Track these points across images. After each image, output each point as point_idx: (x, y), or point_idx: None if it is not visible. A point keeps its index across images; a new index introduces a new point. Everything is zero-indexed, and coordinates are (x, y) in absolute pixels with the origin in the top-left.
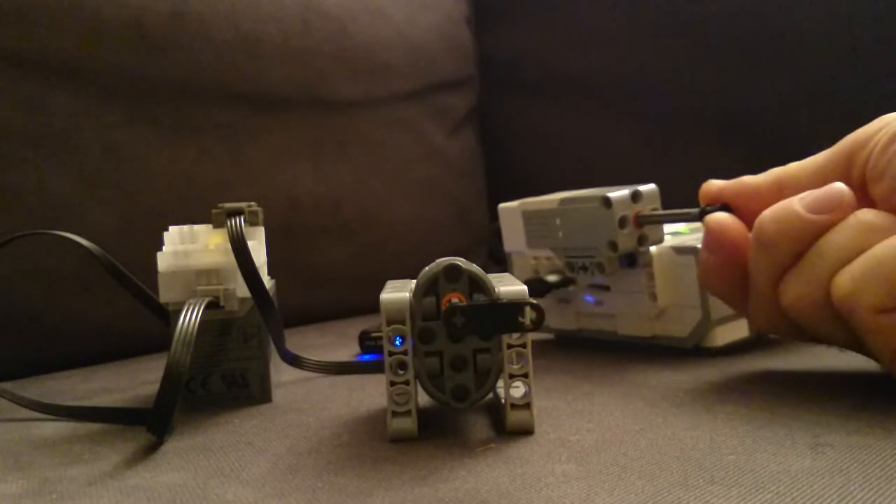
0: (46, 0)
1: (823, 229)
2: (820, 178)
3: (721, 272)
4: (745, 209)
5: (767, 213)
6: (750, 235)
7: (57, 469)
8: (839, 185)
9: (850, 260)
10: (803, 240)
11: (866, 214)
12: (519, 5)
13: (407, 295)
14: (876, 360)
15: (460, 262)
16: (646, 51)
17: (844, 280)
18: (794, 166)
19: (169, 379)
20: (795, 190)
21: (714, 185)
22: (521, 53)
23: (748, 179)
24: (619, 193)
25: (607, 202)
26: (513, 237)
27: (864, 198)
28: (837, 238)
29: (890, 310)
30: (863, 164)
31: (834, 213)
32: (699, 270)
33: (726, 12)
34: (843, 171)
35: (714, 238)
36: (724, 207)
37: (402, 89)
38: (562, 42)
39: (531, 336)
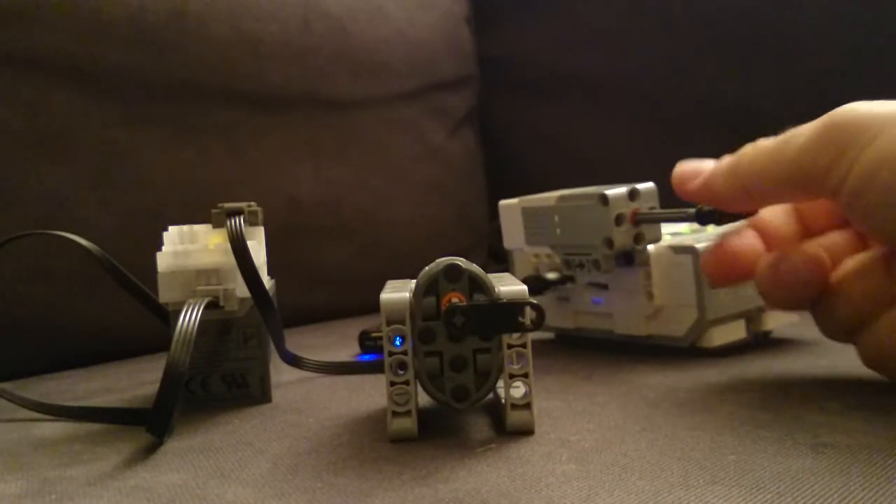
0: (46, 0)
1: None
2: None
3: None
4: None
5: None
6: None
7: (57, 469)
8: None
9: (862, 326)
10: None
11: (855, 289)
12: (519, 5)
13: (407, 295)
14: None
15: (460, 261)
16: (646, 50)
17: (867, 356)
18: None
19: (168, 379)
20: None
21: (687, 185)
22: (521, 53)
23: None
24: (616, 191)
25: (604, 199)
26: (512, 234)
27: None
28: (841, 311)
29: None
30: (830, 195)
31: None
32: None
33: (727, 11)
34: (821, 172)
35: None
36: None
37: (402, 89)
38: (562, 41)
39: (531, 336)
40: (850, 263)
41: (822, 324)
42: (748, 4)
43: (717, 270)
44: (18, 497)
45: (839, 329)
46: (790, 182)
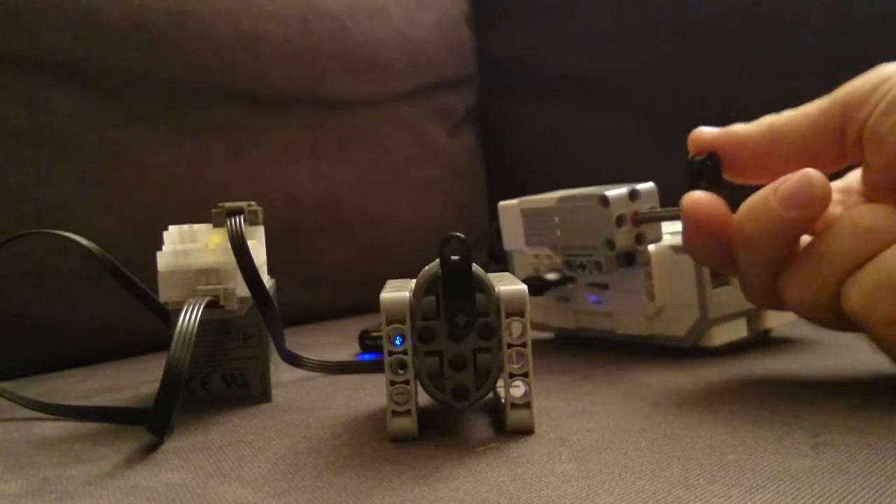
0: (46, 0)
1: (803, 225)
2: (813, 132)
3: (705, 249)
4: (735, 160)
5: (745, 211)
6: (734, 218)
7: (57, 469)
8: (811, 176)
9: (855, 268)
10: (785, 236)
11: (865, 218)
12: (519, 5)
13: (407, 294)
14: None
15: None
16: (646, 50)
17: (856, 295)
18: (786, 115)
19: (169, 378)
20: (787, 143)
21: (703, 134)
22: (521, 53)
23: (739, 129)
24: (616, 192)
25: (605, 201)
26: (512, 235)
27: (856, 153)
28: (838, 245)
29: None
30: (860, 123)
31: (810, 209)
32: (683, 240)
33: (725, 11)
34: (837, 125)
35: (690, 219)
36: (713, 157)
37: (401, 89)
38: (562, 41)
39: (532, 335)
40: (857, 202)
41: (804, 274)
42: (747, 5)
43: (695, 231)
44: (18, 496)
45: (828, 273)
46: (825, 114)
